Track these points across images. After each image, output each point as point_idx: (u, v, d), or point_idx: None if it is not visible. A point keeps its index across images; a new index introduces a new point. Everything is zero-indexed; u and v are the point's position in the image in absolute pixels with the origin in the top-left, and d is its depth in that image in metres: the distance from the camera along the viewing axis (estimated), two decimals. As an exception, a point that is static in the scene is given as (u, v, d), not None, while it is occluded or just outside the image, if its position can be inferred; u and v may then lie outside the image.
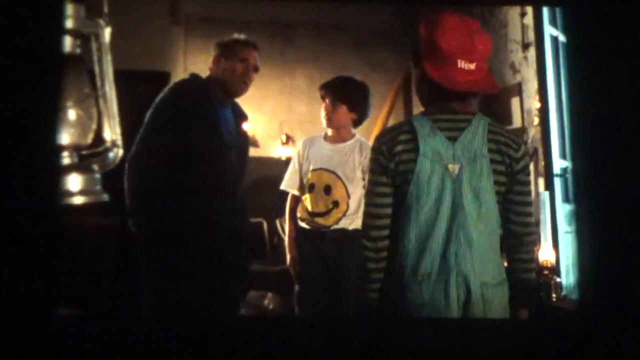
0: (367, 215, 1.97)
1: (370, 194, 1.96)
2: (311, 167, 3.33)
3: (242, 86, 2.90)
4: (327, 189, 3.27)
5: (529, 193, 1.95)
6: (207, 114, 2.77)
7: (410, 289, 1.85)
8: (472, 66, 1.87)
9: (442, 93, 1.90)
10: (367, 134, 4.44)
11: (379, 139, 1.97)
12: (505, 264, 2.02)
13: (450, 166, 1.85)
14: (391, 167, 1.90)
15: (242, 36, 2.96)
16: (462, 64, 1.86)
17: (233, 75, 2.86)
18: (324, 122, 3.33)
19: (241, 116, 2.97)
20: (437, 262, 1.83)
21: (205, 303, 2.77)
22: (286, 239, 3.45)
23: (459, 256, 1.83)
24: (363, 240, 1.97)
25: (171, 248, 2.67)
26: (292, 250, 3.36)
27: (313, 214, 3.28)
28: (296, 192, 3.40)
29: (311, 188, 3.30)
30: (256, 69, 2.94)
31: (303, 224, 3.33)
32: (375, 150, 1.96)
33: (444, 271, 1.83)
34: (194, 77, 2.92)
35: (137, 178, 2.70)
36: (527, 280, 1.98)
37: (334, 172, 3.27)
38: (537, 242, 2.05)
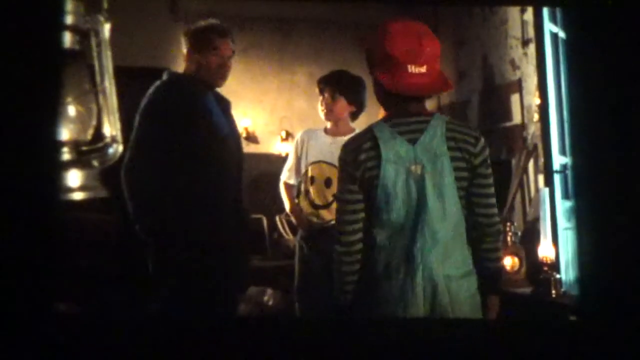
0: (339, 222, 2.05)
1: (340, 201, 2.05)
2: (311, 160, 3.34)
3: (220, 77, 2.83)
4: (328, 182, 3.29)
5: (490, 185, 2.02)
6: (195, 106, 2.74)
7: (381, 285, 1.93)
8: (423, 69, 1.91)
9: (398, 98, 1.97)
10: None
11: (344, 149, 2.06)
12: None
13: (412, 167, 1.93)
14: (358, 176, 1.97)
15: (212, 23, 2.86)
16: (412, 68, 1.90)
17: (209, 68, 2.80)
18: (322, 115, 3.35)
19: (224, 102, 2.93)
20: (405, 258, 1.91)
21: (218, 299, 2.78)
22: (288, 205, 3.49)
23: (424, 252, 1.90)
24: (336, 246, 2.04)
25: (183, 247, 2.67)
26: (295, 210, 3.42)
27: (317, 207, 3.31)
28: (292, 182, 3.44)
29: (312, 181, 3.32)
30: (231, 56, 2.86)
31: (309, 218, 3.34)
32: (341, 160, 2.05)
33: (411, 267, 1.90)
34: (172, 75, 2.88)
35: (137, 184, 2.68)
36: (493, 270, 2.06)
37: (334, 165, 3.29)
38: (502, 231, 2.10)
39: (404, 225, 1.93)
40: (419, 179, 1.93)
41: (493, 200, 2.04)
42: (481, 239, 2.04)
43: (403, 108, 2.00)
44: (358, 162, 1.98)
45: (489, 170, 2.02)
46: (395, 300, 1.92)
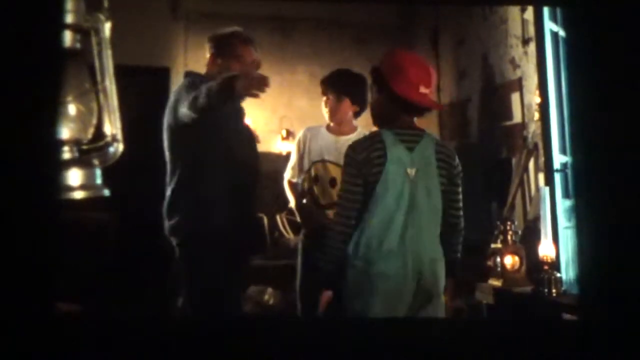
0: (344, 207, 2.43)
1: (347, 191, 2.44)
2: (315, 158, 3.31)
3: None
4: (333, 182, 3.24)
5: (460, 193, 2.52)
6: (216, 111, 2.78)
7: (376, 262, 2.34)
8: (428, 91, 2.44)
9: (404, 111, 2.46)
10: (367, 127, 4.40)
11: (355, 148, 2.45)
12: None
13: (409, 170, 2.39)
14: (365, 172, 2.39)
15: (236, 30, 2.90)
16: (422, 88, 2.42)
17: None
18: (326, 116, 3.31)
19: (241, 111, 2.98)
20: (397, 242, 2.35)
21: (237, 296, 2.88)
22: (293, 202, 3.44)
23: (414, 239, 2.36)
24: (339, 221, 2.42)
25: (211, 246, 2.71)
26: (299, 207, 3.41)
27: (321, 206, 3.26)
28: (296, 180, 3.40)
29: (316, 180, 3.28)
30: (254, 64, 2.91)
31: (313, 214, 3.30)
32: (350, 157, 2.44)
33: (402, 250, 2.34)
34: (193, 75, 2.91)
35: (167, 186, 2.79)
36: (456, 259, 2.54)
37: (339, 165, 3.25)
38: (462, 229, 2.58)
39: (395, 214, 2.36)
40: (413, 180, 2.38)
41: (461, 205, 2.53)
42: (450, 234, 2.52)
43: (403, 120, 2.46)
44: (370, 159, 2.39)
45: (460, 181, 2.52)
46: (388, 276, 2.33)
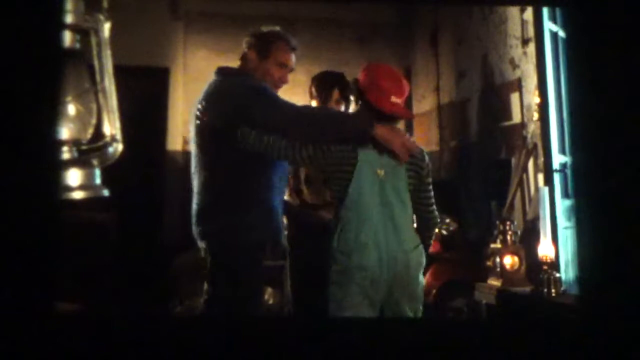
0: (309, 154, 2.61)
1: (319, 149, 2.61)
2: None
3: (275, 90, 2.78)
4: (326, 181, 3.22)
5: (431, 190, 2.77)
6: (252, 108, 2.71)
7: (354, 254, 2.56)
8: (399, 101, 2.67)
9: (378, 118, 2.65)
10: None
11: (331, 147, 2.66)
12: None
13: (378, 171, 2.61)
14: (329, 169, 2.62)
15: (284, 34, 2.82)
16: (394, 99, 2.64)
17: (268, 79, 2.75)
18: None
19: None
20: (372, 236, 2.56)
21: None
22: None
23: (387, 233, 2.58)
24: (301, 151, 2.61)
25: (248, 255, 2.73)
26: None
27: (314, 207, 3.24)
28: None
29: (307, 180, 3.26)
30: (292, 70, 2.85)
31: (303, 214, 3.28)
32: (327, 147, 2.62)
33: (377, 244, 2.56)
34: (232, 70, 2.78)
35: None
36: (427, 248, 2.78)
37: None
38: (438, 222, 2.87)
39: (368, 212, 2.57)
40: (382, 181, 2.61)
41: (433, 201, 2.77)
42: (424, 227, 2.77)
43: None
44: (344, 157, 2.59)
45: (430, 180, 2.77)
46: (367, 268, 2.53)
